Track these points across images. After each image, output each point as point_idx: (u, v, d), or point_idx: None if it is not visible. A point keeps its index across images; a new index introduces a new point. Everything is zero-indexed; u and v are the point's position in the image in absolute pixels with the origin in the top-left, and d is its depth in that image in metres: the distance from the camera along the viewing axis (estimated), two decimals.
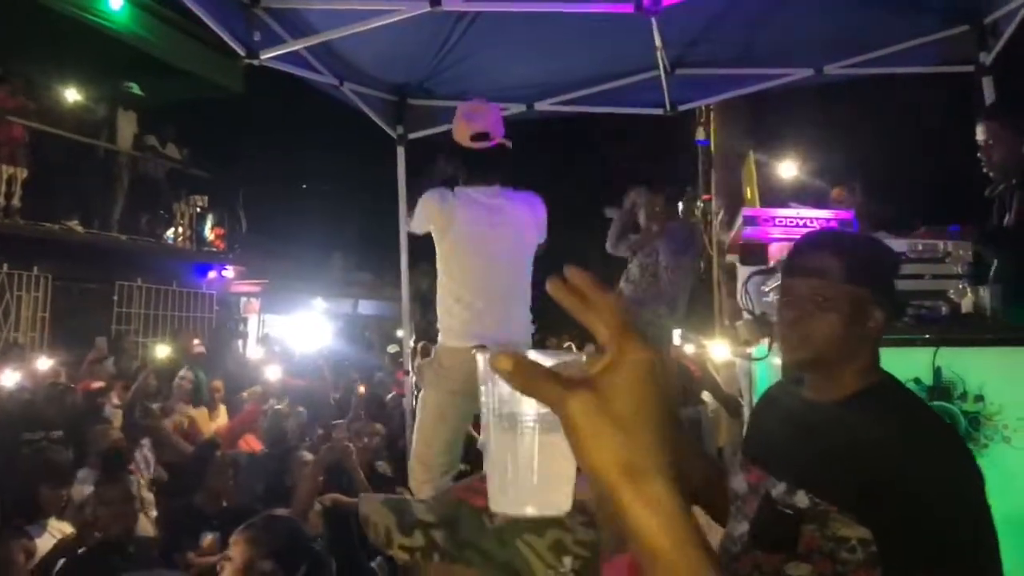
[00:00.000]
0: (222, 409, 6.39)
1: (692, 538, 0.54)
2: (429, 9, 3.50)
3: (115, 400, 6.34)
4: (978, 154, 3.09)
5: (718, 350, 3.25)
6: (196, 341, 9.73)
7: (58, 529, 3.79)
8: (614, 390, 0.55)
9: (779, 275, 1.55)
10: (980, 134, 3.08)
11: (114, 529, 3.55)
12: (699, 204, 8.11)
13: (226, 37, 3.68)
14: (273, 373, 6.86)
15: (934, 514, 1.21)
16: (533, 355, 0.58)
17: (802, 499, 1.31)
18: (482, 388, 0.62)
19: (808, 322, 1.42)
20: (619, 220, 4.62)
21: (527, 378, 0.56)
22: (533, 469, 0.60)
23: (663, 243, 4.24)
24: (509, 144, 3.16)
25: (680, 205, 4.57)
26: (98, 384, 6.14)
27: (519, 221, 3.21)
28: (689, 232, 4.37)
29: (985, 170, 3.10)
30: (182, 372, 6.49)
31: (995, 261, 2.65)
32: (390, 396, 7.72)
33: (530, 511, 0.62)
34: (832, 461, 1.31)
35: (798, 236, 2.78)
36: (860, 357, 1.41)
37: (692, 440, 1.66)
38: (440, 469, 3.13)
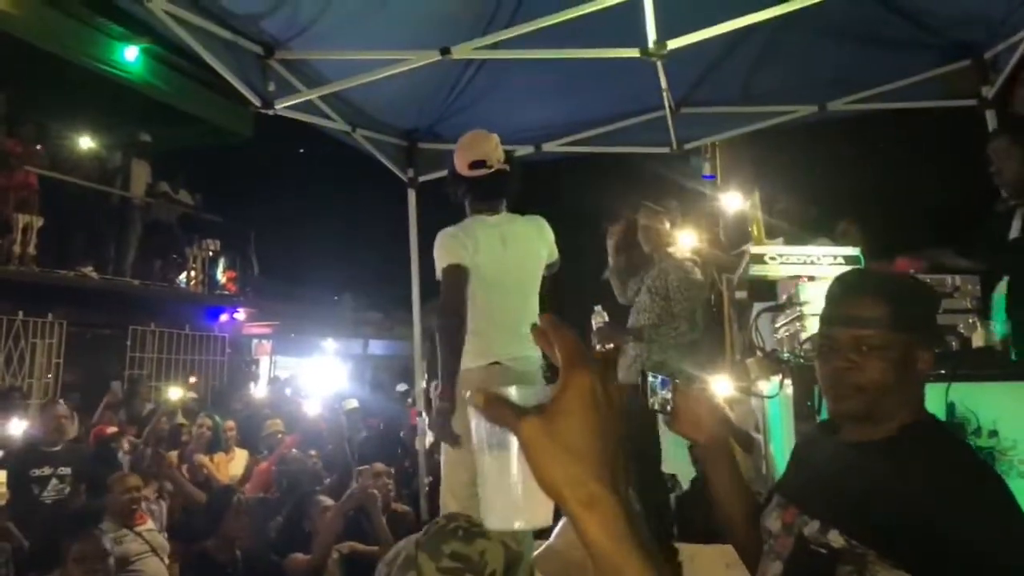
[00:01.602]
0: (238, 452, 6.37)
1: (627, 534, 0.62)
2: (439, 58, 3.59)
3: (126, 446, 6.36)
4: (991, 169, 3.12)
5: (729, 386, 3.25)
6: (192, 380, 9.74)
7: None
8: (558, 413, 0.64)
9: (818, 324, 1.53)
10: (991, 153, 3.11)
11: None
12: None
13: (242, 89, 3.78)
14: (310, 409, 6.91)
15: (977, 560, 1.18)
16: (514, 392, 0.68)
17: (836, 539, 1.28)
18: (472, 421, 0.70)
19: (858, 373, 1.39)
20: (615, 273, 4.60)
21: (493, 410, 0.66)
22: (517, 488, 0.67)
23: (671, 266, 4.23)
24: (507, 168, 3.19)
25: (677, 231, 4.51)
26: (112, 429, 6.15)
27: (528, 246, 3.26)
28: (694, 258, 4.34)
29: (998, 186, 3.13)
30: (199, 420, 6.49)
31: (1006, 276, 2.67)
32: (403, 433, 7.72)
33: (518, 525, 0.69)
34: (871, 502, 1.27)
35: (806, 273, 2.81)
36: (908, 399, 1.39)
37: (736, 465, 1.64)
38: (472, 499, 3.02)
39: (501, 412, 0.66)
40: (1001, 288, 2.76)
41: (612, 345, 4.16)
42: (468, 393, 0.68)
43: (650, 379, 1.57)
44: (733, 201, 4.11)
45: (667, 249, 4.32)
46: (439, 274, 3.15)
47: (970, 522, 1.20)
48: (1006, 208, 3.11)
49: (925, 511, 1.21)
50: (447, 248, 3.14)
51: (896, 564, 1.22)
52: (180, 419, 6.54)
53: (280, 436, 6.21)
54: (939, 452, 1.32)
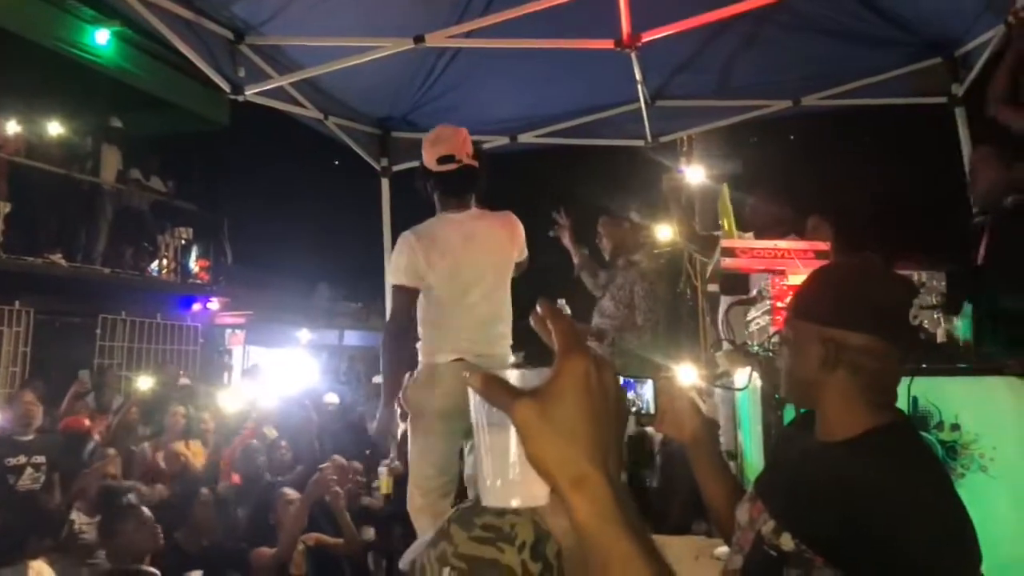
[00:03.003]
0: (213, 442, 6.27)
1: (616, 514, 0.64)
2: (413, 46, 3.56)
3: (96, 436, 6.26)
4: (967, 179, 3.08)
5: (699, 377, 3.27)
6: (182, 372, 9.66)
7: (36, 571, 3.73)
8: (551, 396, 0.65)
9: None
10: (968, 161, 3.08)
11: (151, 550, 3.69)
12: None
13: (212, 74, 3.72)
14: (266, 403, 6.82)
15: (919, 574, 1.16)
16: (513, 374, 0.69)
17: (787, 542, 1.27)
18: (471, 401, 0.71)
19: (779, 358, 1.46)
20: (582, 269, 4.61)
21: (489, 391, 0.67)
22: (515, 467, 0.68)
23: (636, 276, 4.25)
24: (476, 164, 3.18)
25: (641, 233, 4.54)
26: (86, 422, 6.06)
27: (497, 242, 3.24)
28: (662, 263, 4.37)
29: (971, 198, 3.10)
30: (173, 409, 6.41)
31: (969, 304, 2.67)
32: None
33: (515, 503, 0.70)
34: (822, 508, 1.26)
35: (776, 267, 2.82)
36: (842, 398, 1.34)
37: (721, 459, 1.66)
38: (437, 492, 3.08)
39: (496, 393, 0.67)
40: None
41: None
42: (467, 375, 0.69)
43: None
44: (701, 184, 4.17)
45: (629, 258, 4.33)
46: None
47: (917, 537, 1.17)
48: (979, 224, 3.07)
49: (873, 521, 1.18)
50: (396, 263, 3.15)
51: (843, 573, 1.19)
52: (176, 409, 6.44)
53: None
54: (895, 461, 1.27)
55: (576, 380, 0.65)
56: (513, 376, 0.69)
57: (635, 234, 4.44)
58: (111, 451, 5.48)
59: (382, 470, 4.63)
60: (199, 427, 6.32)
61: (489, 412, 0.69)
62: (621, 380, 1.55)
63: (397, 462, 4.61)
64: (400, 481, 4.73)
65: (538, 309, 0.71)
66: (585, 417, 0.65)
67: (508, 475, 0.69)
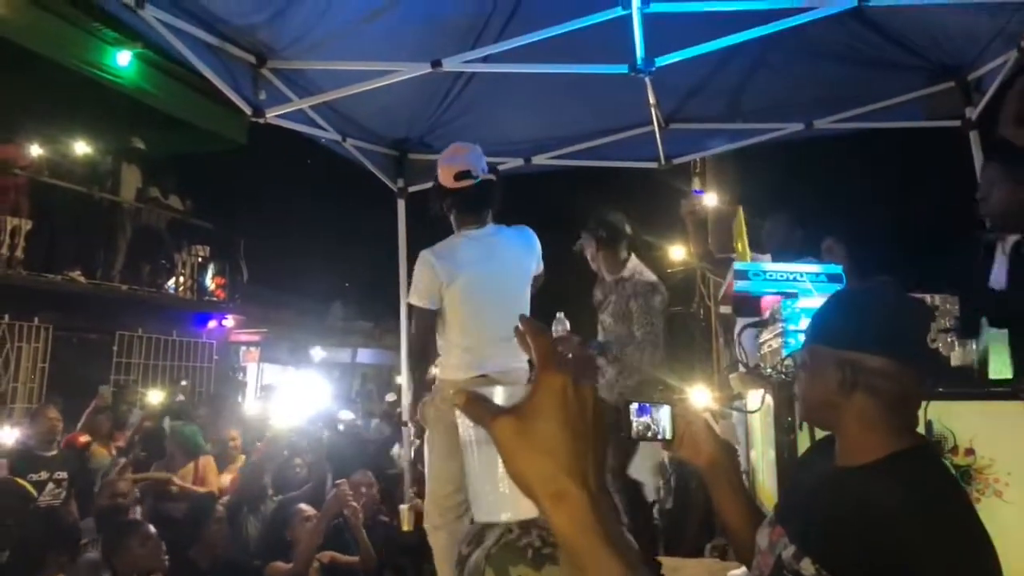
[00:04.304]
0: (241, 459, 6.25)
1: (594, 527, 0.65)
2: (430, 71, 3.61)
3: (113, 451, 6.30)
4: (976, 195, 3.04)
5: (712, 400, 3.27)
6: (183, 383, 9.67)
7: None
8: (529, 412, 0.67)
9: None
10: (981, 178, 3.04)
11: (155, 567, 3.70)
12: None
13: (234, 98, 3.78)
14: (280, 423, 6.82)
15: None
16: (499, 392, 0.71)
17: (808, 567, 1.27)
18: (459, 420, 0.74)
19: (797, 382, 1.47)
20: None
21: (470, 409, 0.70)
22: (504, 482, 0.70)
23: (630, 292, 4.22)
24: (493, 178, 3.21)
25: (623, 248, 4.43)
26: (85, 438, 6.07)
27: (515, 257, 3.27)
28: (650, 279, 4.31)
29: (983, 216, 3.06)
30: (170, 431, 6.39)
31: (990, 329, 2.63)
32: (397, 448, 7.69)
33: (504, 517, 0.73)
34: (842, 533, 1.25)
35: (789, 289, 2.83)
36: (861, 421, 1.34)
37: (739, 482, 1.66)
38: (455, 511, 3.09)
39: (477, 411, 0.69)
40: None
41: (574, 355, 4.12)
42: (451, 393, 0.71)
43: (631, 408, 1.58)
44: (714, 206, 4.15)
45: (617, 275, 4.31)
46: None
47: (939, 564, 1.17)
48: (988, 241, 3.05)
49: (895, 547, 1.18)
50: (415, 283, 3.17)
51: None
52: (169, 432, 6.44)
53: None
54: (917, 486, 1.26)
55: (553, 396, 0.67)
56: (499, 394, 0.70)
57: (610, 251, 4.34)
58: (129, 470, 5.51)
59: (403, 507, 4.62)
60: (215, 443, 6.32)
61: (477, 430, 0.71)
62: (638, 406, 1.57)
63: (417, 500, 4.58)
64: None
65: (519, 326, 0.73)
66: (562, 432, 0.66)
67: (498, 490, 0.71)
